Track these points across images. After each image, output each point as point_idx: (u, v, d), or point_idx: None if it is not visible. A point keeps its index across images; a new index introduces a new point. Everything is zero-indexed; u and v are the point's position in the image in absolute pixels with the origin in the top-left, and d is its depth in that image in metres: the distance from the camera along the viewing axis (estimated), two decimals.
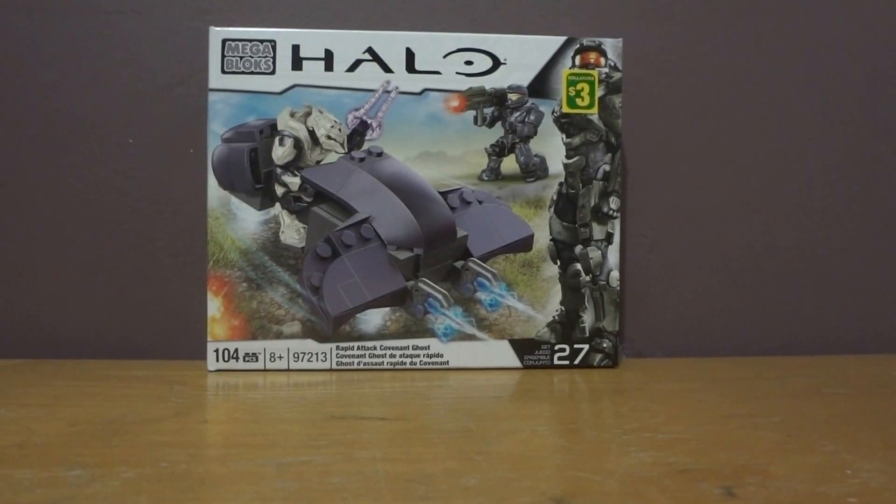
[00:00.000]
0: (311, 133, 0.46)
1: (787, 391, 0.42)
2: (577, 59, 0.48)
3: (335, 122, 0.47)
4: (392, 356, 0.47)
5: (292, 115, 0.46)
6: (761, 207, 0.57)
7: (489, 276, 0.47)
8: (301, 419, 0.35)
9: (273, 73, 0.46)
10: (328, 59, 0.46)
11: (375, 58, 0.47)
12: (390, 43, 0.47)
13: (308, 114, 0.46)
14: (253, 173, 0.46)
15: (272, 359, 0.46)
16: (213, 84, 0.46)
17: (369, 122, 0.47)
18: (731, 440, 0.32)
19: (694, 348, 0.57)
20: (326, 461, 0.28)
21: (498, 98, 0.47)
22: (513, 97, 0.47)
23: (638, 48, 0.55)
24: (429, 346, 0.47)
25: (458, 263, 0.47)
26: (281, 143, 0.46)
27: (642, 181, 0.56)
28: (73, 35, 0.53)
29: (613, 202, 0.48)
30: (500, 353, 0.48)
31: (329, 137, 0.46)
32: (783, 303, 0.57)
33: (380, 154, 0.47)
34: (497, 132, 0.47)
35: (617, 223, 0.49)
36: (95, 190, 0.53)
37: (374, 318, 0.47)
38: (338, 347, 0.47)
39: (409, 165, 0.47)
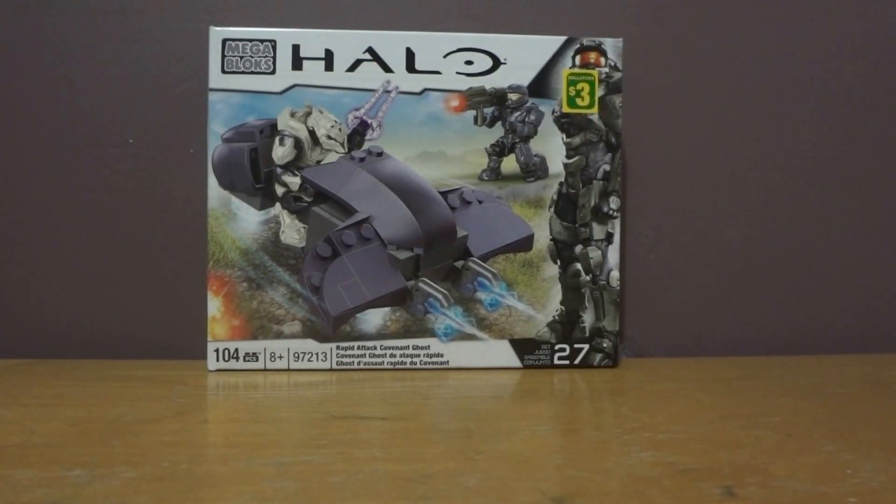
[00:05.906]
0: (312, 133, 0.46)
1: (787, 391, 0.42)
2: (577, 59, 0.48)
3: (335, 121, 0.47)
4: (392, 356, 0.47)
5: (292, 114, 0.46)
6: (761, 207, 0.57)
7: (489, 275, 0.47)
8: (301, 419, 0.35)
9: (273, 72, 0.46)
10: (328, 59, 0.46)
11: (375, 58, 0.47)
12: (390, 43, 0.47)
13: (308, 113, 0.46)
14: (253, 173, 0.46)
15: (272, 359, 0.46)
16: (213, 84, 0.46)
17: (369, 121, 0.47)
18: (731, 440, 0.32)
19: (694, 348, 0.57)
20: (326, 461, 0.28)
21: (498, 98, 0.47)
22: (513, 97, 0.47)
23: (638, 48, 0.55)
24: (429, 346, 0.47)
25: (459, 263, 0.47)
26: (281, 142, 0.46)
27: (642, 181, 0.56)
28: (73, 35, 0.53)
29: (613, 202, 0.48)
30: (500, 353, 0.48)
31: (329, 137, 0.46)
32: (783, 303, 0.57)
33: (380, 154, 0.47)
34: (497, 132, 0.47)
35: (617, 223, 0.49)
36: (95, 190, 0.53)
37: (374, 318, 0.47)
38: (338, 347, 0.47)
39: (409, 165, 0.47)
